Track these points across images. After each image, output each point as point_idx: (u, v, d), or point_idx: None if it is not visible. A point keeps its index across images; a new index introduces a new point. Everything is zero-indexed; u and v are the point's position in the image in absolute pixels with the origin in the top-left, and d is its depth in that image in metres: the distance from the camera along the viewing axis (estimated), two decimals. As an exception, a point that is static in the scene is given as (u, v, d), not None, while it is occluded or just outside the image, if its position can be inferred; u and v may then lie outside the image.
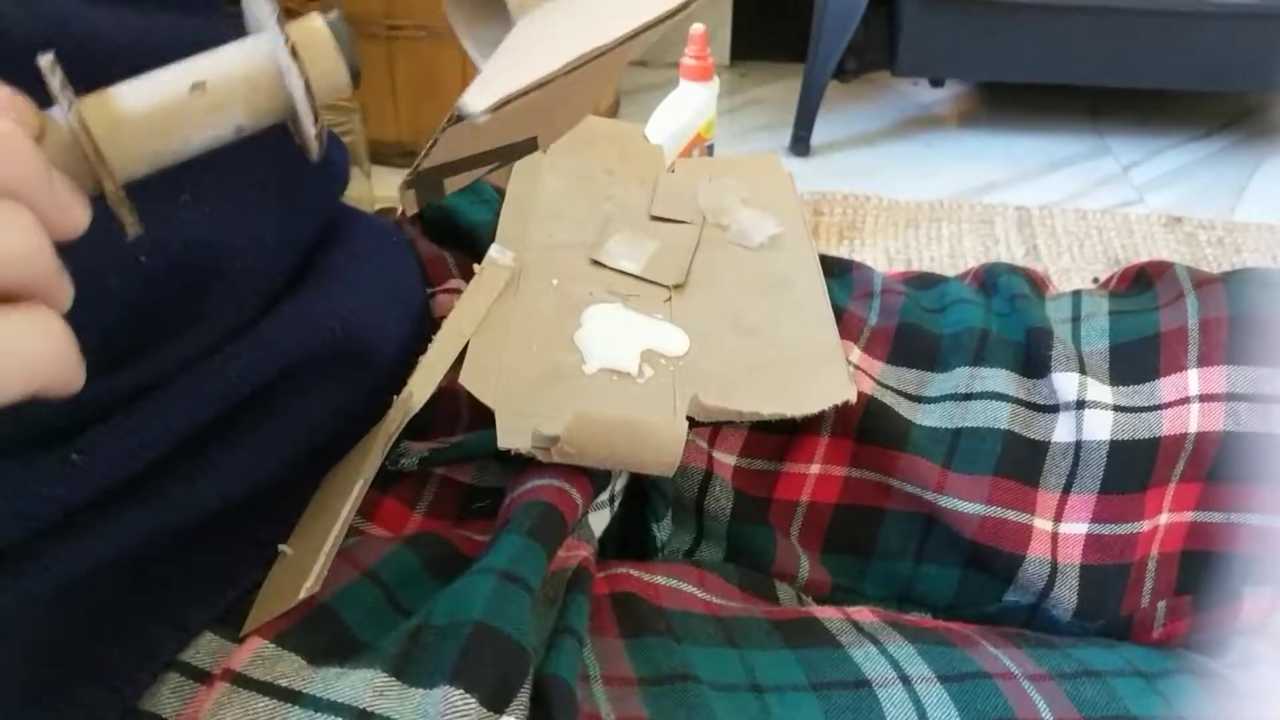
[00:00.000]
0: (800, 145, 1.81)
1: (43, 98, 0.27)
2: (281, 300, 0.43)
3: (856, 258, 1.48)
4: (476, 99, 0.33)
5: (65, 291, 0.26)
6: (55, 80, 0.27)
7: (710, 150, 1.46)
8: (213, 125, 0.29)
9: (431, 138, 0.37)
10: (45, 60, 0.27)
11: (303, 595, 0.35)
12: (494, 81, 0.34)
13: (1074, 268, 1.47)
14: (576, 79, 0.35)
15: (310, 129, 0.29)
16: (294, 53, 0.28)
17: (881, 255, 1.47)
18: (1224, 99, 1.96)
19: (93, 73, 0.29)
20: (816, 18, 1.70)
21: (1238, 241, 1.53)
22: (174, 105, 0.28)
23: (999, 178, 1.74)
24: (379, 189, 1.57)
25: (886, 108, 2.00)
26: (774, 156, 0.70)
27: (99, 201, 0.28)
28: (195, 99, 0.28)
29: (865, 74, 1.95)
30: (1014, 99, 1.99)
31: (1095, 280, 1.44)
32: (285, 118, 0.30)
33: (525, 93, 0.33)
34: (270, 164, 0.43)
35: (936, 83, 1.99)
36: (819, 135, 1.83)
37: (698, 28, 1.43)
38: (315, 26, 0.29)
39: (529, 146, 0.44)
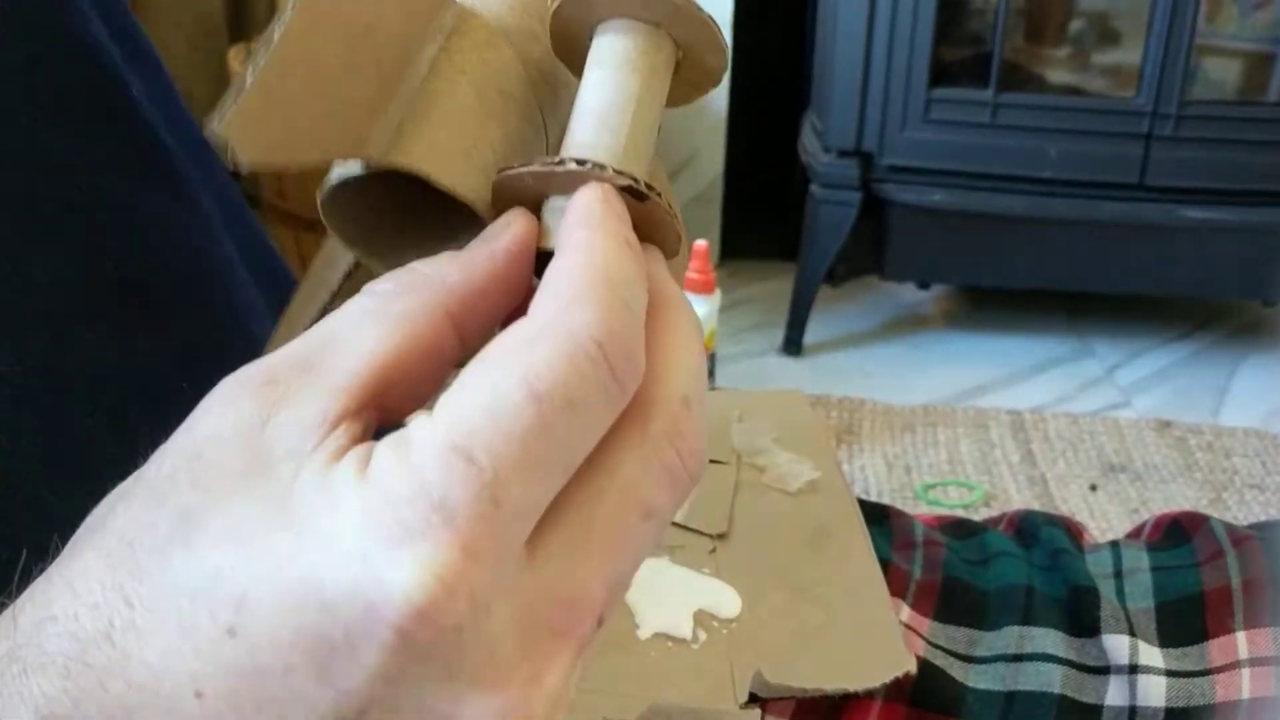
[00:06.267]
0: (793, 346, 1.85)
1: None
2: None
3: (856, 462, 1.51)
4: None
5: None
6: None
7: (712, 360, 1.49)
8: None
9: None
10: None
11: None
12: None
13: (1070, 474, 1.49)
14: None
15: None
16: None
17: (880, 460, 1.48)
18: (1196, 299, 2.04)
19: None
20: (807, 229, 1.77)
21: (1227, 446, 1.55)
22: None
23: (988, 379, 1.78)
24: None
25: (874, 308, 2.06)
26: (800, 393, 0.72)
27: None
28: None
29: (854, 278, 2.01)
30: (996, 300, 2.06)
31: (1093, 487, 1.45)
32: None
33: None
34: None
35: (922, 284, 2.06)
36: (810, 335, 1.87)
37: (700, 243, 1.48)
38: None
39: None
